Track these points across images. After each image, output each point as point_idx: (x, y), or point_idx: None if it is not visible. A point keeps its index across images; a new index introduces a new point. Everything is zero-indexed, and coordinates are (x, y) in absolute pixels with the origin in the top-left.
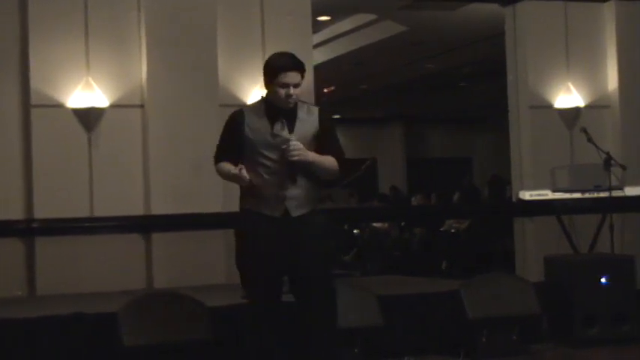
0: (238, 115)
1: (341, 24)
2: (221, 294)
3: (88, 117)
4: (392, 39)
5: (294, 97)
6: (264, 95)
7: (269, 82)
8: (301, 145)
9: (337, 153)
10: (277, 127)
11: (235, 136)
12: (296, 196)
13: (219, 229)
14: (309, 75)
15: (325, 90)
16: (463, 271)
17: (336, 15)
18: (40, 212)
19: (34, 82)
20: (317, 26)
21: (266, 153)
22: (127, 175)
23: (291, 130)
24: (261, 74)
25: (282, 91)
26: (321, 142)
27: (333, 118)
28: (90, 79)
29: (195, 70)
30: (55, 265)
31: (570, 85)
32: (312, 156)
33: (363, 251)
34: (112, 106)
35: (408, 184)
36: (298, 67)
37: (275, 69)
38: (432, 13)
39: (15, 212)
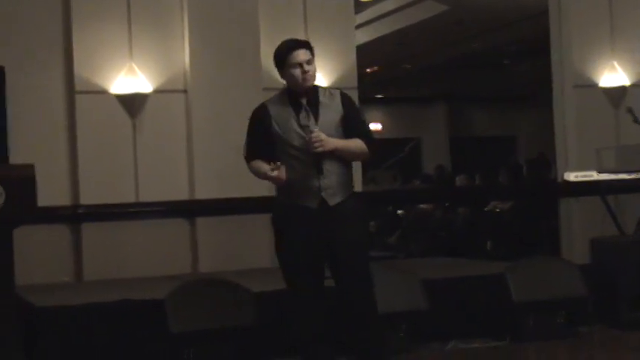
0: (262, 110)
1: (383, 4)
2: (266, 278)
3: (132, 103)
4: (434, 18)
5: (309, 73)
6: (284, 87)
7: (283, 69)
8: (323, 136)
9: (364, 134)
10: (302, 116)
11: (263, 132)
12: (330, 185)
13: (263, 213)
14: (352, 55)
15: (368, 70)
16: (508, 251)
17: None
18: (86, 198)
19: (78, 69)
20: (359, 7)
21: (297, 144)
22: (172, 160)
23: (316, 118)
24: None
25: (297, 71)
26: (347, 125)
27: (354, 100)
28: (133, 64)
29: (238, 54)
30: (101, 251)
31: (615, 63)
32: (336, 143)
33: (407, 232)
34: (156, 91)
35: (452, 163)
36: (303, 44)
37: (282, 53)
38: None
39: (61, 198)
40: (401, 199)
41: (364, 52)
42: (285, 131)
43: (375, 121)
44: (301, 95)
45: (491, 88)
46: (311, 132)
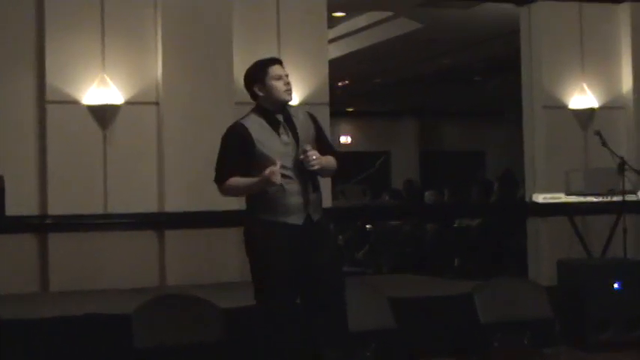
0: (241, 131)
1: (356, 20)
2: (234, 293)
3: (103, 114)
4: (407, 36)
5: (291, 86)
6: (255, 106)
7: (262, 83)
8: (317, 153)
9: (334, 151)
10: (282, 134)
11: (244, 152)
12: (314, 201)
13: (232, 226)
14: (324, 71)
15: (339, 84)
16: (475, 268)
17: (351, 11)
18: (54, 208)
19: (50, 79)
20: (332, 22)
21: (281, 163)
22: (142, 172)
23: (294, 135)
24: None
25: (280, 83)
26: (320, 141)
27: (319, 120)
28: (105, 75)
29: (210, 67)
30: (68, 262)
31: (585, 85)
32: (323, 159)
33: (375, 247)
34: (127, 103)
35: (422, 178)
36: (278, 60)
37: (262, 67)
38: (447, 11)
39: (29, 208)
40: (370, 214)
41: (335, 67)
42: (270, 151)
43: (345, 134)
44: (277, 112)
45: (462, 103)
46: (305, 150)
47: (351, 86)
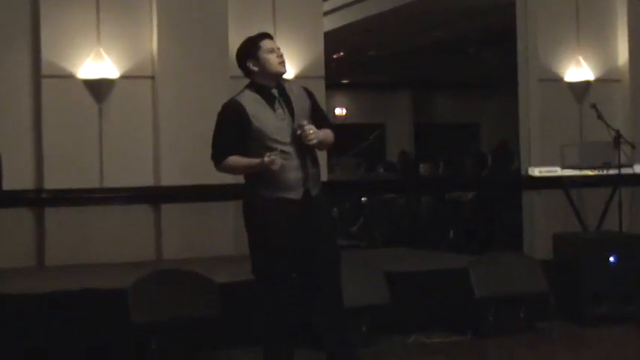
0: (237, 107)
1: None
2: (230, 267)
3: (99, 88)
4: (401, 8)
5: (284, 58)
6: (249, 82)
7: (255, 58)
8: (314, 127)
9: (331, 124)
10: (278, 109)
11: (239, 128)
12: (312, 175)
13: (228, 200)
14: (319, 44)
15: (334, 56)
16: (470, 241)
17: None
18: (50, 182)
19: (45, 53)
20: None
21: (278, 138)
22: (137, 146)
23: (290, 109)
24: None
25: (273, 56)
26: (315, 116)
27: (314, 94)
28: (101, 49)
29: (205, 41)
30: (64, 236)
31: (580, 58)
32: (321, 134)
33: (369, 220)
34: (123, 77)
35: (416, 150)
36: (269, 35)
37: (254, 42)
38: None
39: (25, 182)
40: (365, 188)
41: (330, 39)
42: (265, 126)
43: (340, 106)
44: (271, 87)
45: (456, 75)
46: (301, 125)
47: (346, 58)
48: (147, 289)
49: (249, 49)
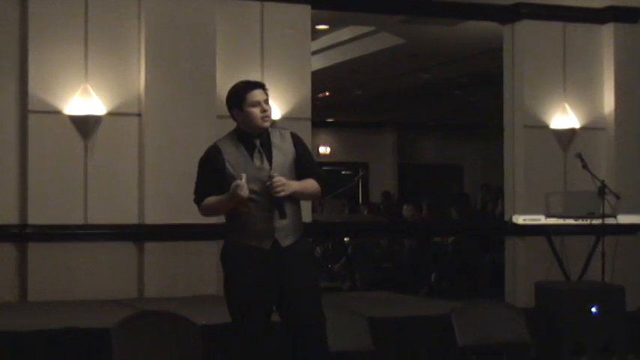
0: (215, 151)
1: (338, 33)
2: (212, 308)
3: (85, 124)
4: (389, 50)
5: (268, 113)
6: (235, 127)
7: (239, 109)
8: (284, 180)
9: (317, 175)
10: (256, 158)
11: (215, 173)
12: (285, 227)
13: (211, 239)
14: (307, 86)
15: (320, 95)
16: (452, 284)
17: (334, 24)
18: (34, 218)
19: (32, 88)
20: (315, 34)
21: (250, 186)
22: (122, 184)
23: (269, 159)
24: None
25: (257, 110)
26: (300, 166)
27: (303, 140)
28: (88, 86)
29: (193, 80)
30: (47, 272)
31: (566, 105)
32: (295, 185)
33: (352, 260)
34: (110, 113)
35: (400, 190)
36: (260, 84)
37: (240, 92)
38: (430, 28)
39: (9, 217)
40: (348, 230)
41: (316, 78)
42: (239, 173)
43: (324, 144)
44: (254, 136)
45: (441, 116)
46: (271, 177)
47: (332, 98)
48: (129, 331)
49: (235, 99)
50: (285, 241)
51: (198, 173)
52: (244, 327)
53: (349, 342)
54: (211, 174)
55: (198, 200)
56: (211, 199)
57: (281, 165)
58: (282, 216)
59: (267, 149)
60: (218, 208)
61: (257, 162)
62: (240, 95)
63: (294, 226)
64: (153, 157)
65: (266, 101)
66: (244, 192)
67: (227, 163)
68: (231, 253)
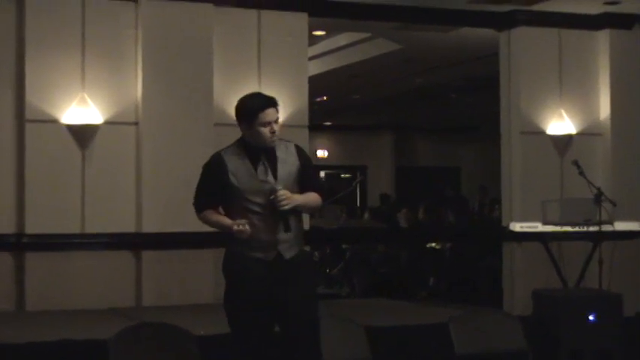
0: (218, 160)
1: (336, 39)
2: (210, 317)
3: (83, 133)
4: (385, 56)
5: (276, 133)
6: (241, 137)
7: (249, 125)
8: (288, 194)
9: (318, 188)
10: (261, 170)
11: (218, 182)
12: (287, 239)
13: (209, 248)
14: (304, 94)
15: (317, 99)
16: (450, 289)
17: (331, 30)
18: (32, 227)
19: (29, 97)
20: (312, 40)
21: (253, 199)
22: (120, 193)
23: (274, 172)
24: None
25: (266, 130)
26: (302, 178)
27: (307, 153)
28: (85, 95)
29: (190, 88)
30: (44, 281)
31: (563, 111)
32: (299, 199)
33: (349, 265)
34: (107, 122)
35: (397, 192)
36: (274, 103)
37: (253, 110)
38: (426, 34)
39: (6, 226)
40: (346, 236)
41: (314, 83)
42: (243, 185)
43: (322, 148)
44: (260, 149)
45: (438, 119)
46: (276, 190)
47: (329, 101)
48: (126, 343)
49: (246, 115)
50: (288, 253)
51: (201, 181)
52: (245, 338)
53: (346, 351)
54: (213, 183)
55: (197, 206)
56: (211, 218)
57: (285, 178)
58: (287, 229)
59: (272, 162)
60: (215, 227)
61: (261, 175)
62: (253, 113)
63: (296, 238)
64: (150, 166)
65: (277, 120)
66: (245, 235)
67: (230, 174)
68: (234, 264)
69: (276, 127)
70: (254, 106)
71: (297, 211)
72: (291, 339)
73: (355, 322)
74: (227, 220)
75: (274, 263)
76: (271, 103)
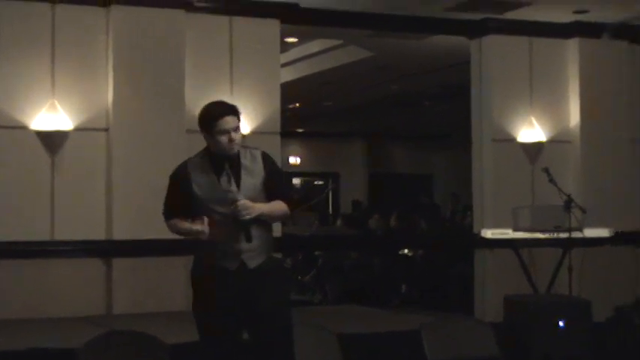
0: (183, 170)
1: (308, 46)
2: (181, 325)
3: (52, 139)
4: (357, 63)
5: (236, 141)
6: (206, 146)
7: (208, 133)
8: (249, 203)
9: (286, 196)
10: (224, 180)
11: (182, 192)
12: (252, 249)
13: (180, 255)
14: (276, 100)
15: (290, 106)
16: (422, 295)
17: (303, 37)
18: (0, 234)
19: None
20: (284, 46)
21: (216, 208)
22: (90, 199)
23: (237, 181)
24: None
25: (224, 138)
26: (269, 186)
27: (274, 160)
28: (55, 101)
29: (161, 94)
30: (13, 289)
31: (533, 119)
32: (262, 208)
33: (322, 272)
34: (77, 129)
35: (370, 199)
36: (233, 111)
37: (211, 118)
38: (398, 41)
39: None
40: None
41: (286, 90)
42: (206, 195)
43: (294, 155)
44: (224, 158)
45: (410, 126)
46: (236, 200)
47: (302, 108)
48: (96, 352)
49: (205, 123)
50: (252, 263)
51: (168, 190)
52: (214, 345)
53: (319, 359)
54: (179, 193)
55: (165, 214)
56: (177, 225)
57: (249, 188)
58: (249, 239)
59: (236, 171)
60: (183, 234)
61: (224, 184)
62: (210, 121)
63: (262, 247)
64: (121, 173)
65: (236, 128)
66: (205, 236)
67: (194, 184)
68: (199, 272)
69: (235, 136)
70: (212, 114)
71: (261, 220)
72: (265, 346)
73: (327, 330)
74: (186, 223)
75: (238, 272)
76: (230, 110)
